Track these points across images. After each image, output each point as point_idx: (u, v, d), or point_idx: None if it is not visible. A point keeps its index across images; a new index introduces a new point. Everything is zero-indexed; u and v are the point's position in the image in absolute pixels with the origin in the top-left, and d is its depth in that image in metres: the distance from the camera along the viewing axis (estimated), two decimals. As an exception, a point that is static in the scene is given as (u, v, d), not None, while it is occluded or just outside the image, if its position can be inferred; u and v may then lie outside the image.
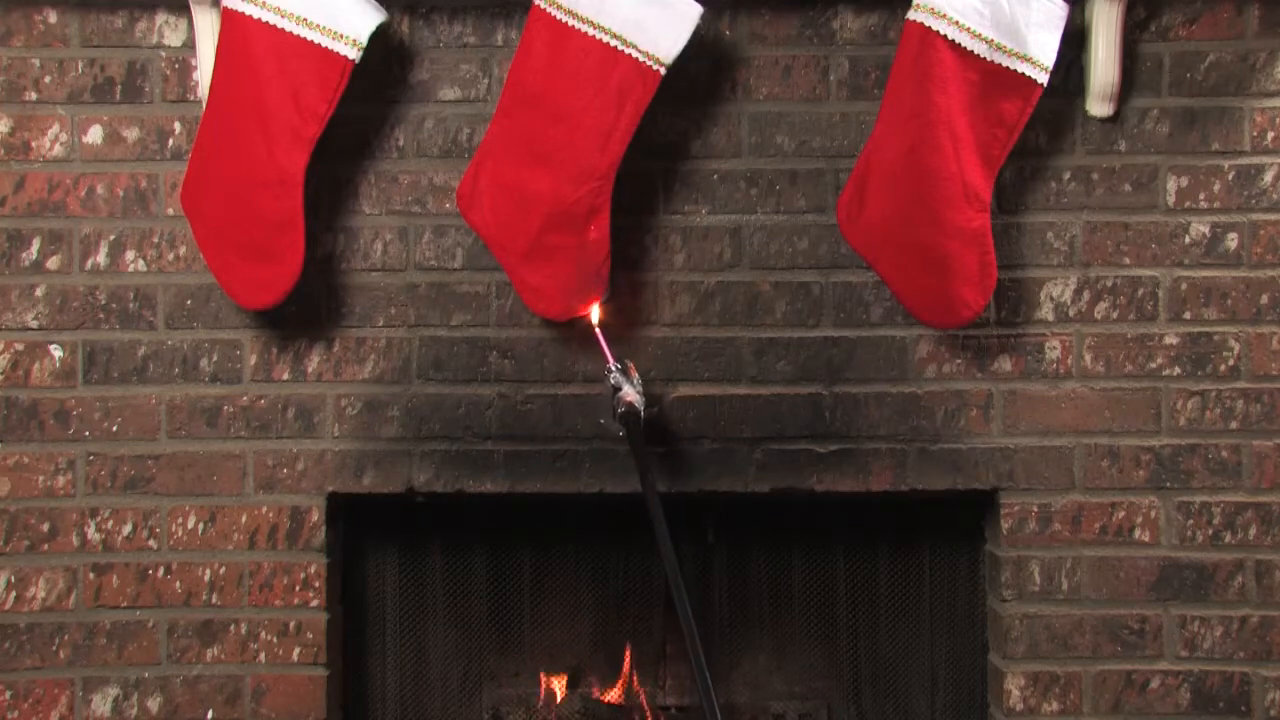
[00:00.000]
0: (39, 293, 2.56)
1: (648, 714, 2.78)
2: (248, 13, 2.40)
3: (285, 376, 2.57)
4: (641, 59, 2.40)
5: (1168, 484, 2.56)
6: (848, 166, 2.54)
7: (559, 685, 2.80)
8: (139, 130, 2.57)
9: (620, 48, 2.39)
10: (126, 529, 2.56)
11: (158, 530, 2.56)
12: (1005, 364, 2.57)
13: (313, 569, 2.57)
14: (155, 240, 2.57)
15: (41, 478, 2.56)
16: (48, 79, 2.56)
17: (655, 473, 2.35)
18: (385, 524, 2.74)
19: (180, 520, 2.57)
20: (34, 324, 2.56)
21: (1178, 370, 2.56)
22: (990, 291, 2.45)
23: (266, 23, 2.40)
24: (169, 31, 2.57)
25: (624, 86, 2.40)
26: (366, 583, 2.77)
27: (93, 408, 2.56)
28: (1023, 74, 2.40)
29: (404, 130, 2.57)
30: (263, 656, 2.56)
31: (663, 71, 2.40)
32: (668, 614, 2.81)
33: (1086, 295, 2.57)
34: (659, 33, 2.39)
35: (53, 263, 2.57)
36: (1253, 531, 2.56)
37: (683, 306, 2.58)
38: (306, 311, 2.56)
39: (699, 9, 2.41)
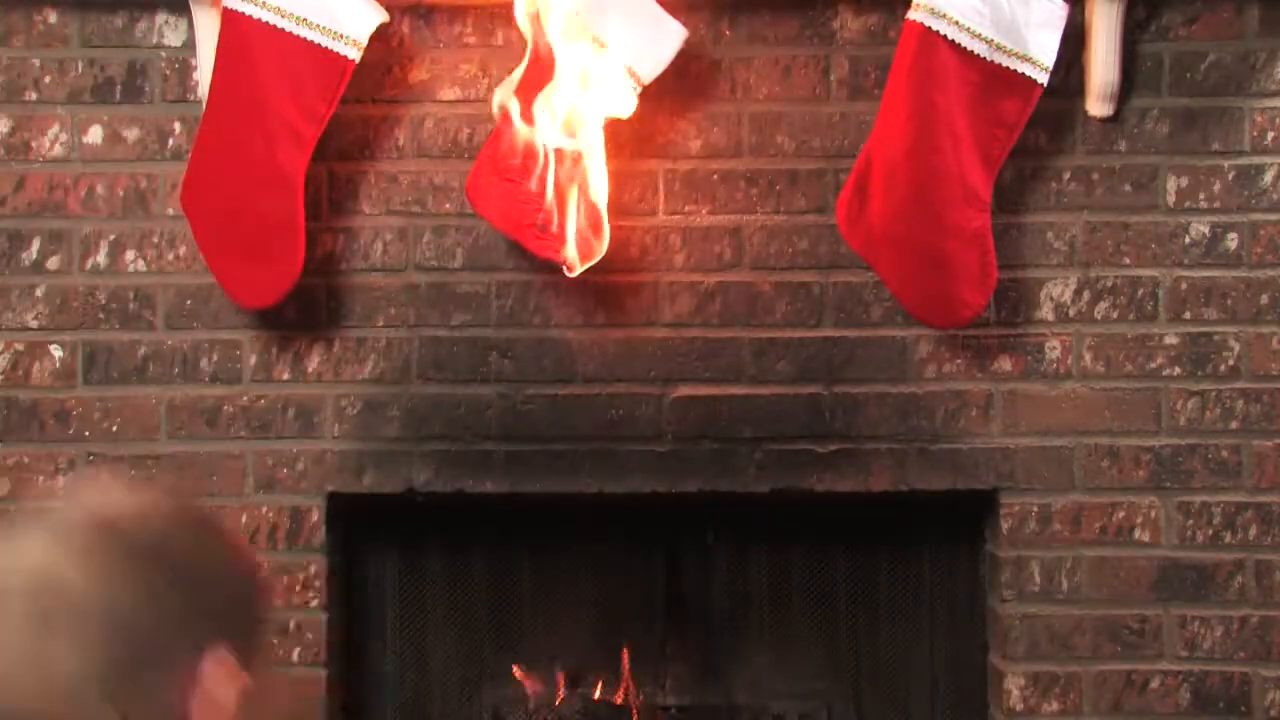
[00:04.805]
0: (39, 293, 2.56)
1: (646, 713, 2.78)
2: (248, 13, 2.40)
3: (285, 376, 2.57)
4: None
5: (1168, 484, 2.56)
6: (848, 166, 2.53)
7: (559, 685, 2.79)
8: (139, 130, 2.56)
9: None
10: (126, 529, 2.56)
11: (158, 530, 2.56)
12: (1005, 364, 2.57)
13: (313, 569, 2.57)
14: (155, 240, 2.57)
15: (41, 478, 2.56)
16: (48, 79, 2.56)
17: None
18: (385, 524, 2.73)
19: (180, 520, 2.56)
20: (34, 324, 2.56)
21: (1178, 370, 2.56)
22: (990, 291, 2.45)
23: (266, 23, 2.40)
24: (169, 31, 2.56)
25: None
26: (366, 583, 2.76)
27: (93, 408, 2.56)
28: (1023, 74, 2.40)
29: (404, 130, 2.57)
30: (263, 656, 2.56)
31: (638, 89, 2.42)
32: (668, 614, 2.81)
33: (1086, 295, 2.56)
34: (643, 51, 2.41)
35: (53, 263, 2.56)
36: (1253, 531, 2.56)
37: (683, 306, 2.58)
38: (306, 311, 2.56)
39: (683, 31, 2.42)
